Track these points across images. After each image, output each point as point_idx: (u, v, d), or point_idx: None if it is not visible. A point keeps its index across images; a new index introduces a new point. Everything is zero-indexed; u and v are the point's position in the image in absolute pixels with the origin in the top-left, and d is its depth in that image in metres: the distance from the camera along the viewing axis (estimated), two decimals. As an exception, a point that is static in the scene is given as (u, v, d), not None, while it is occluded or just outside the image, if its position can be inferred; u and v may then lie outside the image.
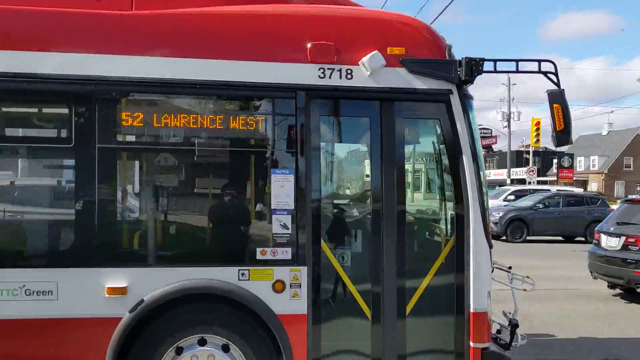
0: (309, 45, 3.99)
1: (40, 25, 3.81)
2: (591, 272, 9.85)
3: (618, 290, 9.71)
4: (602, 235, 9.60)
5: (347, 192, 4.74)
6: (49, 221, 3.93)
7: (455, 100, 4.13)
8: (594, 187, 67.12)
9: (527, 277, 4.71)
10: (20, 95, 3.83)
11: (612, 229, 9.50)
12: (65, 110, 3.82)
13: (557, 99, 4.04)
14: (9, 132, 4.03)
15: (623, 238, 9.06)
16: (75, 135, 3.77)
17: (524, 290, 4.71)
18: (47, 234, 3.90)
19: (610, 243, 9.35)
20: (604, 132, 74.79)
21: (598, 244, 9.70)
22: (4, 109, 3.96)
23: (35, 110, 4.07)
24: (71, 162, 3.85)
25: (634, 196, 13.13)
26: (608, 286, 9.62)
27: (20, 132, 4.09)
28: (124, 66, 3.78)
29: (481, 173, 4.16)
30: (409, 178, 4.33)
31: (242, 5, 4.12)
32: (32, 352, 3.68)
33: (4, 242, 3.85)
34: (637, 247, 8.76)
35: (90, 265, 3.74)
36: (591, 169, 70.28)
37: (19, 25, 3.79)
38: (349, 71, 4.02)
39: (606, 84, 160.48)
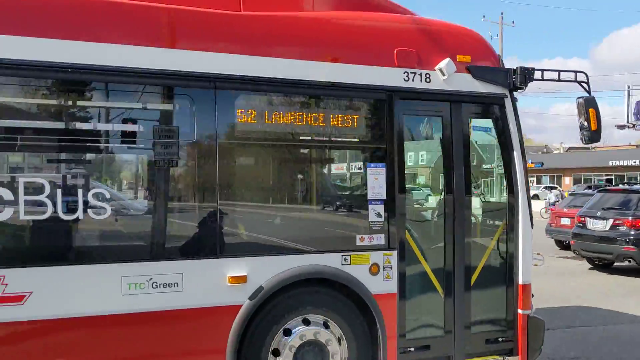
0: (395, 51, 4.40)
1: (169, 23, 3.85)
2: (575, 250, 11.78)
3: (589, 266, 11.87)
4: (587, 218, 11.55)
5: (424, 182, 5.22)
6: (173, 215, 3.98)
7: (508, 103, 4.77)
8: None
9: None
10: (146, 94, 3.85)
11: (598, 213, 11.32)
12: (189, 106, 3.89)
13: (591, 104, 4.83)
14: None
15: (611, 220, 11.00)
16: (197, 131, 3.87)
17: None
18: (172, 228, 3.95)
19: (597, 225, 11.21)
20: None
21: (583, 227, 11.55)
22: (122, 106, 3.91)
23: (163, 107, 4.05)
24: (194, 157, 3.94)
25: (610, 186, 15.58)
26: (595, 262, 11.83)
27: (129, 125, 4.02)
28: (241, 65, 3.94)
29: (526, 166, 4.88)
30: (472, 170, 4.91)
31: (333, 12, 4.43)
32: (158, 343, 3.76)
33: (132, 236, 3.86)
34: (625, 227, 10.77)
35: (213, 256, 3.89)
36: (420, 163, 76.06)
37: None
38: (427, 75, 4.49)
39: None
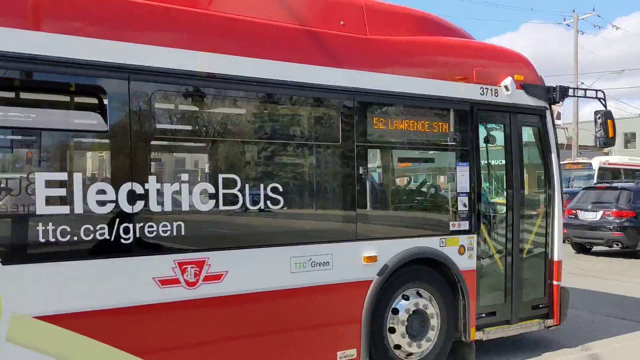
0: (475, 70, 5.39)
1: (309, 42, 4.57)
2: (567, 237, 13.63)
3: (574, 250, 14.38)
4: (578, 211, 14.09)
5: (492, 179, 6.24)
6: (328, 207, 4.76)
7: (548, 114, 5.94)
8: None
9: None
10: (300, 103, 4.61)
11: (589, 206, 14.01)
12: (335, 117, 4.66)
13: (609, 116, 6.06)
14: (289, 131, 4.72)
15: (601, 212, 13.65)
16: (342, 136, 4.65)
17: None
18: (325, 217, 4.71)
19: (588, 216, 13.73)
20: None
21: (575, 217, 13.99)
22: (285, 113, 4.60)
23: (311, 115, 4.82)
24: (337, 158, 4.72)
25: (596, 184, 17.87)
26: (587, 246, 14.28)
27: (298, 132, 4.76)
28: (371, 81, 4.76)
29: (559, 164, 6.06)
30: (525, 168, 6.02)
31: (428, 37, 5.34)
32: (315, 312, 4.54)
33: (298, 224, 4.56)
34: (613, 217, 13.42)
35: (353, 240, 4.69)
36: None
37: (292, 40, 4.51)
38: (495, 91, 5.53)
39: None
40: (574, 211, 14.17)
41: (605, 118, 6.07)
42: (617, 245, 13.60)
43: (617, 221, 13.36)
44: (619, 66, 43.69)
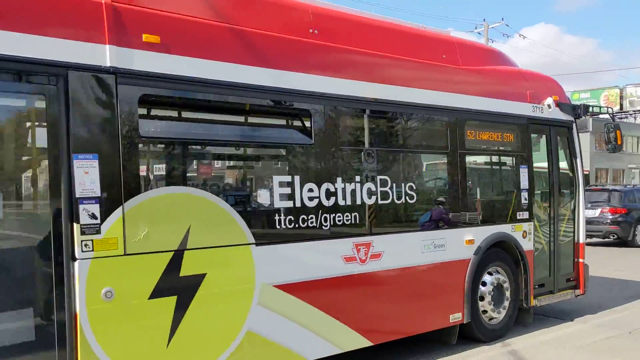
0: (528, 92, 6.90)
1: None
2: None
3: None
4: None
5: (538, 177, 7.71)
6: (446, 201, 6.15)
7: (574, 126, 7.52)
8: None
9: None
10: (429, 121, 6.03)
11: (589, 205, 16.13)
12: (446, 130, 6.06)
13: (617, 127, 7.64)
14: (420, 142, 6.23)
15: (599, 209, 16.72)
16: (450, 146, 6.04)
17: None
18: (445, 209, 6.11)
19: (588, 213, 15.55)
20: None
21: None
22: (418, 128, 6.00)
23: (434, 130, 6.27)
24: (447, 163, 6.15)
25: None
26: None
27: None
28: (468, 102, 6.16)
29: (583, 167, 7.63)
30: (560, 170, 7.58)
31: (496, 66, 6.83)
32: (435, 283, 5.87)
33: (424, 215, 5.85)
34: (609, 214, 16.60)
35: (460, 227, 6.06)
36: None
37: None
38: (541, 108, 7.03)
39: None
40: None
41: (615, 129, 7.69)
42: (613, 236, 16.77)
43: (612, 217, 16.61)
44: None
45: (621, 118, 74.81)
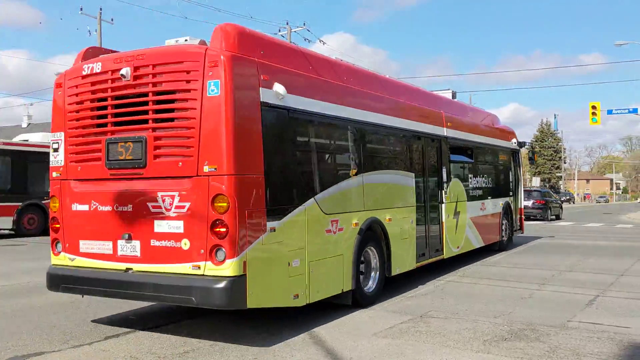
0: (511, 138, 15.97)
1: None
2: None
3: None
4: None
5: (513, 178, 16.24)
6: (499, 190, 14.84)
7: (519, 153, 16.39)
8: None
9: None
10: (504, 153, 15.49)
11: (526, 197, 25.93)
12: (497, 154, 15.04)
13: (534, 151, 18.28)
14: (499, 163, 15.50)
15: (533, 200, 30.82)
16: (512, 165, 16.10)
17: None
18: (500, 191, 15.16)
19: (526, 203, 27.44)
20: (24, 125, 72.53)
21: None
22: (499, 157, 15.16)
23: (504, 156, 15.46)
24: (506, 174, 15.78)
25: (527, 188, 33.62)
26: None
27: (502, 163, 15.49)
28: (498, 143, 15.23)
29: (521, 177, 16.71)
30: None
31: (500, 126, 16.00)
32: (489, 226, 13.32)
33: (492, 193, 14.20)
34: (539, 204, 31.26)
35: (501, 198, 14.90)
36: None
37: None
38: (514, 143, 15.96)
39: (27, 77, 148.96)
40: None
41: (533, 152, 17.77)
42: (537, 216, 31.28)
43: (537, 205, 31.17)
44: None
45: None
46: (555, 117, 58.43)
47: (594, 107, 31.49)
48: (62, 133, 6.74)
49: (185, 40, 6.37)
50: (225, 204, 5.60)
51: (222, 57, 5.67)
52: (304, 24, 44.11)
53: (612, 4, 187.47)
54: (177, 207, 5.88)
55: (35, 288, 9.45)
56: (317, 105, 7.03)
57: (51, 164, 6.87)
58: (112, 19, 38.63)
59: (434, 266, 11.13)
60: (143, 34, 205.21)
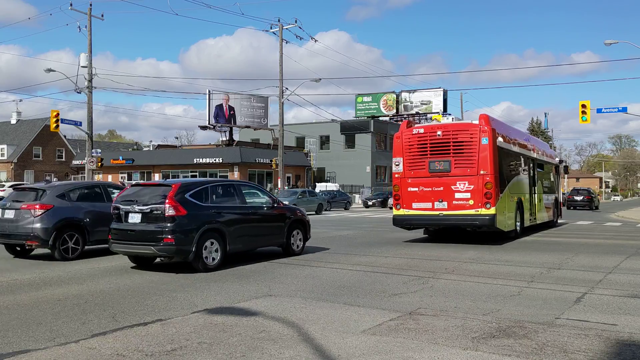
0: (554, 157, 26.50)
1: None
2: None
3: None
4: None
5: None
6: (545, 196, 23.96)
7: (561, 165, 27.46)
8: (3, 176, 67.65)
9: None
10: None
11: (575, 194, 49.84)
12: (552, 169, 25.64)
13: (565, 167, 30.26)
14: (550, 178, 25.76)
15: (582, 196, 49.94)
16: (558, 176, 26.89)
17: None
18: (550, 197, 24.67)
19: (577, 198, 49.74)
20: (13, 121, 75.00)
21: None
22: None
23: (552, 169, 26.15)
24: (555, 185, 26.65)
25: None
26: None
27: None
28: (553, 160, 26.46)
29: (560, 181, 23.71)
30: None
31: (550, 151, 27.70)
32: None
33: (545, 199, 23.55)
34: (587, 199, 49.24)
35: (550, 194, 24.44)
36: (0, 158, 70.20)
37: None
38: (557, 161, 26.57)
39: (17, 73, 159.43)
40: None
41: (566, 166, 29.38)
42: (585, 207, 48.91)
43: (586, 200, 49.01)
44: (321, 76, 49.67)
45: (397, 121, 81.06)
46: (545, 116, 59.18)
47: (583, 106, 31.55)
48: (401, 158, 16.16)
49: (459, 119, 17.40)
50: (490, 185, 15.06)
51: (486, 128, 15.28)
52: (296, 21, 43.94)
53: (609, 2, 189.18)
54: (466, 187, 15.24)
55: (21, 285, 9.36)
56: (512, 147, 17.78)
57: (394, 171, 16.41)
58: (102, 15, 38.18)
59: (426, 264, 10.98)
60: (134, 30, 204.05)
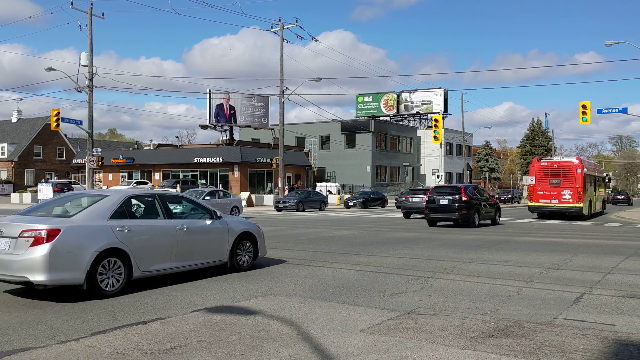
0: (599, 170, 42.36)
1: None
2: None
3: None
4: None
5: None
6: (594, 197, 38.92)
7: (607, 178, 45.57)
8: (3, 175, 68.47)
9: None
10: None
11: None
12: (598, 179, 39.63)
13: (609, 178, 47.89)
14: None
15: (623, 196, 71.90)
16: (596, 182, 38.68)
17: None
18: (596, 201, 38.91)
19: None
20: (14, 119, 75.01)
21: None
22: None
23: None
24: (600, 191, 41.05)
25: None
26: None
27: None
28: (599, 174, 41.03)
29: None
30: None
31: (596, 166, 43.31)
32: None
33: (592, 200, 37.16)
34: (626, 198, 72.19)
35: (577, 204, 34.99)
36: (0, 156, 70.26)
37: None
38: (604, 174, 44.83)
39: (21, 71, 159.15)
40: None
41: (609, 177, 46.48)
42: (625, 203, 69.28)
43: (625, 198, 70.61)
44: (324, 76, 49.29)
45: (397, 121, 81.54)
46: (546, 116, 59.26)
47: (584, 107, 31.55)
48: (534, 177, 32.37)
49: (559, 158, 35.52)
50: (580, 192, 31.40)
51: (579, 162, 32.16)
52: (296, 20, 43.83)
53: (618, 4, 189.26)
54: (570, 191, 31.37)
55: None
56: (588, 172, 33.47)
57: (530, 183, 32.94)
58: (102, 14, 38.10)
59: (425, 264, 11.00)
60: (138, 29, 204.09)
